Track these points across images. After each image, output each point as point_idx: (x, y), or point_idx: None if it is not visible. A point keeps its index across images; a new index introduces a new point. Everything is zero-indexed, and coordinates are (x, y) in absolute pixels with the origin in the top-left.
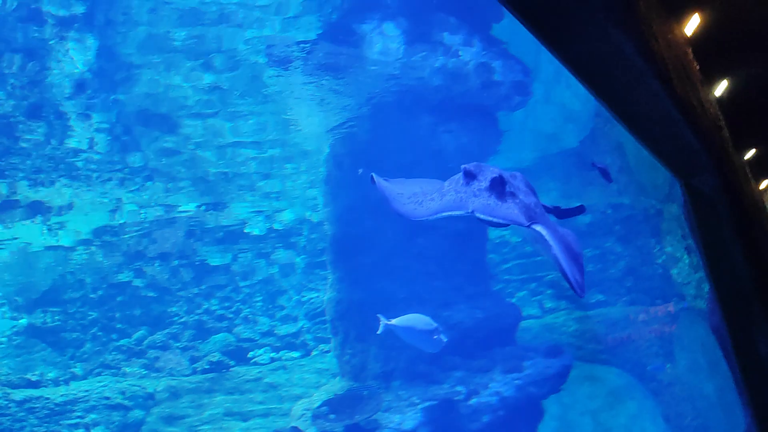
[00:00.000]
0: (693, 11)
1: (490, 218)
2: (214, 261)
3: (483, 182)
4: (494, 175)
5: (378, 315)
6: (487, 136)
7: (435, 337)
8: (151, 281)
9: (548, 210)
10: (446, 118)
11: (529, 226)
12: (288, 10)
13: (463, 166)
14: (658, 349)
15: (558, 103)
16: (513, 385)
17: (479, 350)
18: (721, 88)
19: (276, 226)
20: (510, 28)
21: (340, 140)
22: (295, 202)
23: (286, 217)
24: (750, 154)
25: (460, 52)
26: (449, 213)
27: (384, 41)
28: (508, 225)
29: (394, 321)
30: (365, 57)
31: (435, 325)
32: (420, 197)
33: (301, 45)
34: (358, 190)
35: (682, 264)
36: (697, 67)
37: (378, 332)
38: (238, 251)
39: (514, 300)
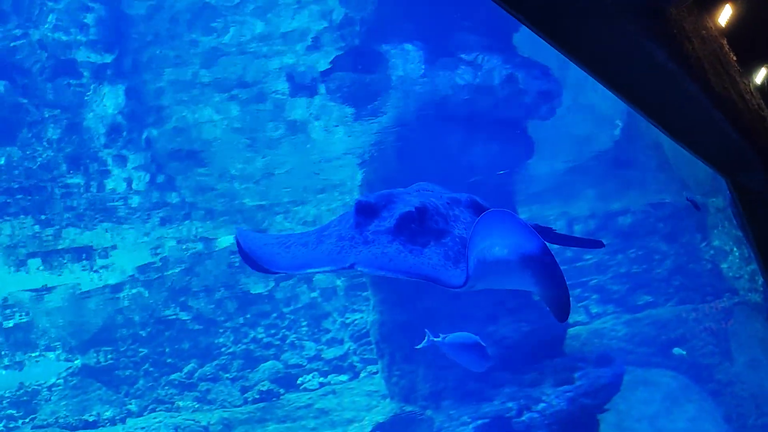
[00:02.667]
0: (725, 2)
1: (383, 273)
2: (257, 290)
3: (388, 220)
4: (407, 210)
5: (425, 330)
6: (519, 146)
7: (483, 355)
8: (196, 314)
9: (538, 230)
10: (475, 132)
11: (462, 287)
12: (308, 38)
13: (357, 199)
14: (714, 347)
15: (588, 105)
16: (565, 397)
17: (528, 364)
18: (760, 75)
19: None
20: (531, 37)
21: (370, 161)
22: None
23: None
24: None
25: (483, 66)
26: (316, 270)
27: (406, 61)
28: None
29: (441, 338)
30: (389, 79)
31: (483, 344)
32: (293, 244)
33: (325, 71)
34: None
35: (732, 257)
36: (735, 59)
37: (418, 347)
38: (280, 278)
39: None
